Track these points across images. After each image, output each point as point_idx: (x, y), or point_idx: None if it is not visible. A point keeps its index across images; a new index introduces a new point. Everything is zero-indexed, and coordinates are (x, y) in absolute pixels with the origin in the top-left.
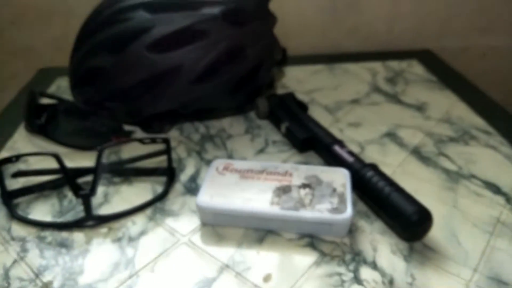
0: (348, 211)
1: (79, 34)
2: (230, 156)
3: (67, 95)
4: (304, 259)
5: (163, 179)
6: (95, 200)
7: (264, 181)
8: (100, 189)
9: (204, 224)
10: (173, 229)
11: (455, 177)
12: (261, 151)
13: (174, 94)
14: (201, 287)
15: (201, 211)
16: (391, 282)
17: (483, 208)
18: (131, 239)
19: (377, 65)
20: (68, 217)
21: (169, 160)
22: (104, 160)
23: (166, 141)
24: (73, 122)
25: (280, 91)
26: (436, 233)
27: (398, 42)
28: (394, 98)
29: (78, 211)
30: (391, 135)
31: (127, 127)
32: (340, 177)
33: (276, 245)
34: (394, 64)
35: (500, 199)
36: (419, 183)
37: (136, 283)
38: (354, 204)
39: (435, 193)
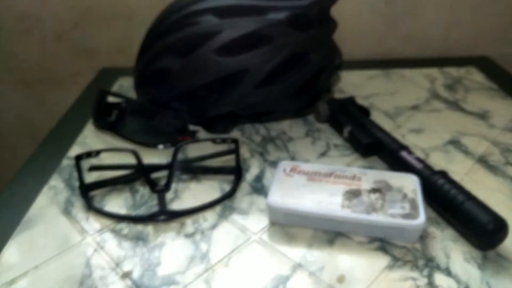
0: (422, 217)
1: (147, 36)
2: (292, 158)
3: (130, 94)
4: (376, 262)
5: (230, 177)
6: (167, 196)
7: (333, 184)
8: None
9: (273, 224)
10: (243, 227)
11: None
12: (323, 154)
13: (238, 96)
14: (276, 285)
15: (271, 211)
16: None
17: None
18: (204, 235)
19: (434, 72)
20: (142, 211)
21: (237, 159)
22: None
23: (235, 141)
24: (140, 120)
25: (337, 95)
26: (510, 243)
27: (454, 49)
28: (455, 105)
29: (150, 206)
30: (455, 143)
31: (191, 127)
32: (410, 183)
33: (346, 248)
34: (452, 71)
35: None
36: (488, 192)
37: (212, 277)
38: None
39: (506, 202)
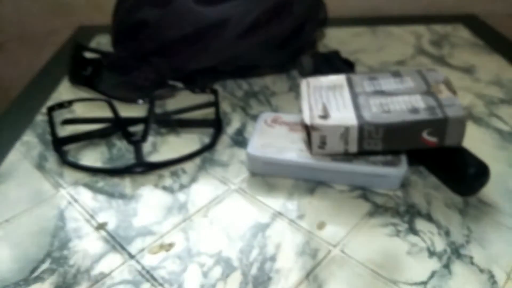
0: (403, 164)
1: None
2: (275, 111)
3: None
4: (358, 209)
5: (210, 130)
6: (144, 149)
7: None
8: (148, 139)
9: (253, 174)
10: (223, 178)
11: (508, 137)
12: None
13: (219, 49)
14: (255, 232)
15: (251, 160)
16: (447, 233)
17: None
18: (182, 186)
19: (420, 29)
20: (118, 164)
21: (217, 111)
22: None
23: (214, 91)
24: (117, 75)
25: (322, 51)
26: (491, 189)
27: (441, 6)
28: (441, 61)
29: (128, 159)
30: None
31: (170, 82)
32: None
33: (327, 196)
34: (439, 28)
35: None
36: (472, 143)
37: (190, 226)
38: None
39: (489, 152)
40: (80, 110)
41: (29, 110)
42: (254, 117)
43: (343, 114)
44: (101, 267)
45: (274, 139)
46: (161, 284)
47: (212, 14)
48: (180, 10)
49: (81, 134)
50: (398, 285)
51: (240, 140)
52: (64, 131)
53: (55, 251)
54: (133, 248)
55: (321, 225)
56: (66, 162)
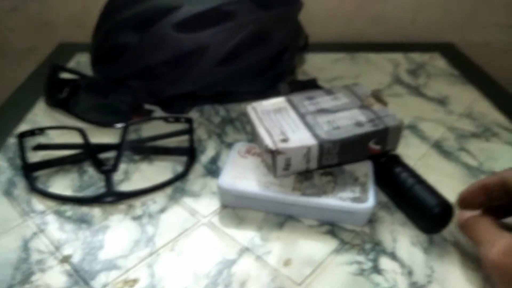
0: (370, 201)
1: (104, 9)
2: (250, 141)
3: (87, 71)
4: (324, 246)
5: (184, 159)
6: (116, 176)
7: None
8: (121, 166)
9: (225, 206)
10: (193, 210)
11: (476, 173)
12: None
13: (197, 75)
14: (221, 269)
15: (222, 193)
16: (410, 273)
17: None
18: (152, 217)
19: (399, 56)
20: (88, 192)
21: (191, 140)
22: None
23: (189, 120)
24: (94, 98)
25: (301, 77)
26: (456, 227)
27: (421, 34)
28: (416, 91)
29: (98, 187)
30: (413, 128)
31: (147, 106)
32: (362, 167)
33: (296, 231)
34: (416, 56)
35: None
36: (440, 177)
37: (156, 261)
38: (375, 194)
39: (456, 187)
40: (53, 133)
41: (1, 132)
42: (229, 145)
43: (300, 135)
44: None
45: (246, 171)
46: None
47: (191, 41)
48: (160, 36)
49: (52, 160)
50: None
51: (213, 170)
52: (36, 156)
53: (16, 285)
54: (96, 283)
55: (287, 262)
56: (35, 189)
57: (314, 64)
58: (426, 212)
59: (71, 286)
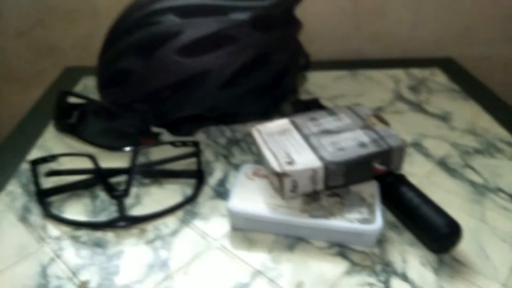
0: (378, 222)
1: (108, 35)
2: (257, 162)
3: (94, 95)
4: (336, 268)
5: (192, 181)
6: (127, 200)
7: None
8: (131, 190)
9: (235, 229)
10: (204, 233)
11: (481, 190)
12: None
13: (201, 98)
14: None
15: (232, 216)
16: None
17: (511, 223)
18: (164, 241)
19: (399, 73)
20: (102, 217)
21: (199, 163)
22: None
23: (196, 144)
24: (102, 122)
25: (303, 96)
26: (465, 246)
27: (420, 49)
28: (418, 107)
29: (111, 211)
30: (417, 145)
31: (154, 129)
32: (368, 188)
33: (306, 253)
34: (417, 72)
35: None
36: (446, 195)
37: (171, 285)
38: (382, 215)
39: (462, 205)
40: (64, 159)
41: (14, 157)
42: (236, 166)
43: (305, 157)
44: None
45: (254, 193)
46: None
47: (193, 65)
48: (163, 61)
49: (65, 185)
50: None
51: (222, 192)
52: (48, 182)
53: None
54: None
55: (300, 285)
56: (49, 215)
57: (316, 82)
58: (434, 233)
59: None
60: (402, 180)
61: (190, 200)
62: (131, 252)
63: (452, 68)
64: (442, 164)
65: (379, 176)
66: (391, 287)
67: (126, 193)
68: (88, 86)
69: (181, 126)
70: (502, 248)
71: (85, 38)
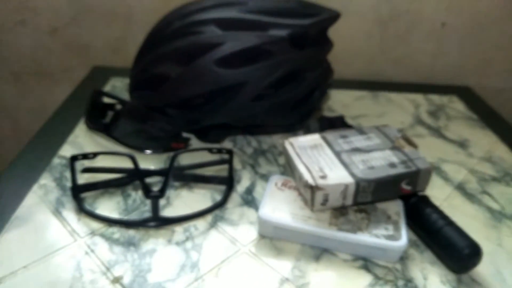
0: (403, 239)
1: (147, 40)
2: (283, 173)
3: (123, 96)
4: (360, 280)
5: (221, 187)
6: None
7: None
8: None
9: (262, 236)
10: (233, 238)
11: (498, 216)
12: None
13: (234, 108)
14: None
15: (262, 223)
16: None
17: None
18: (195, 244)
19: (419, 97)
20: (134, 216)
21: (230, 170)
22: (168, 164)
23: (230, 152)
24: (132, 123)
25: (326, 113)
26: (482, 269)
27: (439, 77)
28: (437, 132)
29: (142, 211)
30: (436, 169)
31: (184, 134)
32: (393, 206)
33: (332, 264)
34: (435, 98)
35: None
36: (464, 218)
37: (202, 286)
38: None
39: (480, 230)
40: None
41: (46, 152)
42: (263, 177)
43: (337, 173)
44: None
45: (284, 203)
46: None
47: (231, 77)
48: (201, 70)
49: (98, 182)
50: None
51: (249, 200)
52: (81, 178)
53: None
54: None
55: None
56: (83, 210)
57: (338, 101)
58: (456, 253)
59: None
60: (426, 201)
61: (219, 205)
62: (163, 252)
63: (470, 97)
64: (461, 188)
65: (404, 195)
66: None
67: (162, 194)
68: (116, 87)
69: (209, 133)
70: None
71: (116, 40)
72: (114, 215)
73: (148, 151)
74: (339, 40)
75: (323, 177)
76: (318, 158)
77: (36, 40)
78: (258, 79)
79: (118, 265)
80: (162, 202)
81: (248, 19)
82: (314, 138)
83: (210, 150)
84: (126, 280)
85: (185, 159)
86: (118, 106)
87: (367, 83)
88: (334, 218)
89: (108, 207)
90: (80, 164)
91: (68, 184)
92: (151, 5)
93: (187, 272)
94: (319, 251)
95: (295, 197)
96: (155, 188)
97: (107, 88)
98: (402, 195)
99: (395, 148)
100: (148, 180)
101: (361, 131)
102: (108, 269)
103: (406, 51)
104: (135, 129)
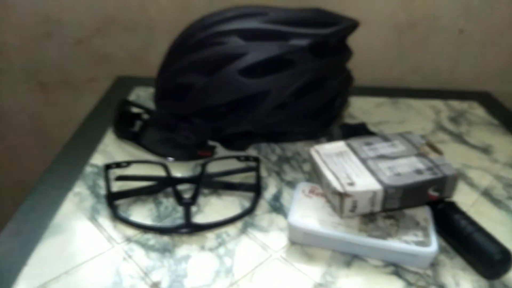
0: (434, 245)
1: (171, 50)
2: (308, 180)
3: (148, 105)
4: (392, 286)
5: (249, 194)
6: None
7: None
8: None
9: (293, 243)
10: (264, 244)
11: None
12: None
13: (258, 117)
14: None
15: (292, 230)
16: None
17: None
18: (227, 249)
19: (439, 103)
20: (166, 223)
21: (258, 177)
22: (197, 172)
23: (257, 159)
24: (160, 132)
25: (348, 120)
26: None
27: (458, 82)
28: (459, 138)
29: (174, 218)
30: (461, 175)
31: (210, 143)
32: (421, 212)
33: (363, 270)
34: (456, 104)
35: None
36: (492, 224)
37: None
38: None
39: (508, 235)
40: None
41: (78, 161)
42: (289, 184)
43: (365, 180)
44: None
45: (312, 210)
46: None
47: (254, 86)
48: (226, 79)
49: (131, 190)
50: None
51: (277, 206)
52: (114, 186)
53: None
54: None
55: None
56: (118, 217)
57: (359, 108)
58: (488, 259)
59: None
60: (453, 207)
61: (249, 212)
62: (197, 257)
63: (490, 102)
64: (487, 194)
65: (431, 201)
66: None
67: (194, 201)
68: (140, 97)
69: (234, 141)
70: None
71: (138, 50)
72: (148, 222)
73: (171, 159)
74: (358, 48)
75: (351, 184)
76: (345, 165)
77: (62, 52)
78: (280, 88)
79: (155, 270)
80: (193, 209)
81: (269, 29)
82: (339, 145)
83: (238, 158)
84: (164, 285)
85: (212, 166)
86: (144, 115)
87: (387, 90)
88: (363, 224)
89: (141, 214)
90: (112, 173)
91: (102, 191)
92: (172, 15)
93: (222, 278)
94: (350, 257)
95: (323, 204)
96: (186, 196)
97: (132, 97)
98: (429, 201)
99: (420, 154)
100: (179, 187)
101: (385, 138)
102: (146, 274)
103: (425, 57)
104: (163, 138)
